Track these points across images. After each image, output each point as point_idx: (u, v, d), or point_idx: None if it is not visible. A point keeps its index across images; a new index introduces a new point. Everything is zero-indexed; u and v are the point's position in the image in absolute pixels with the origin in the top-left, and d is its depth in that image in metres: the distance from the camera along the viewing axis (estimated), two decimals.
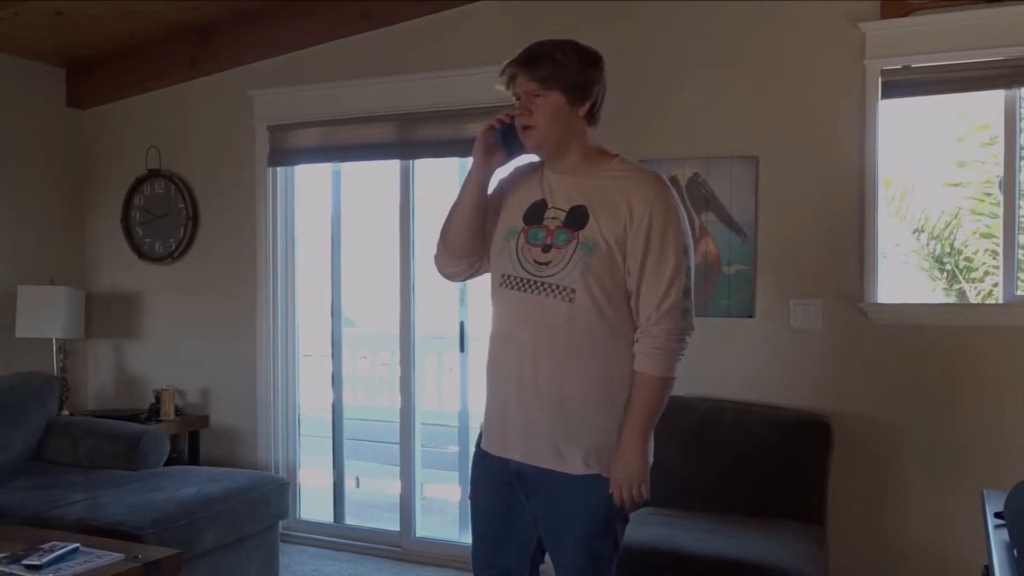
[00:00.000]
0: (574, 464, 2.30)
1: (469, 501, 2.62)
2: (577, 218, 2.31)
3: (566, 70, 2.31)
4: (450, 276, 2.60)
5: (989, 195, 4.02)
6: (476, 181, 2.40)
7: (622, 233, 2.27)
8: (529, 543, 2.48)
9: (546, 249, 2.31)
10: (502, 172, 2.50)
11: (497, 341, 2.44)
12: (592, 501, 2.33)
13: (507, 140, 2.36)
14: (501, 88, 2.38)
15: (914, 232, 4.02)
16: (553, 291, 2.28)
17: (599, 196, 2.31)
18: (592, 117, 2.38)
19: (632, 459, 2.28)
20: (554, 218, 2.34)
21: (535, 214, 2.37)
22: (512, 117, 2.35)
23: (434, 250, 2.57)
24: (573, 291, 2.27)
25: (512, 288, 2.35)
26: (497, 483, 2.46)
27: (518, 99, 2.34)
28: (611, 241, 2.27)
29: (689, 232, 2.35)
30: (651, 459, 2.38)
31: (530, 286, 2.32)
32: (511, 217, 2.41)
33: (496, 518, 2.50)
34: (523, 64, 2.31)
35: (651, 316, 2.27)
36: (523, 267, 2.33)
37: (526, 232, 2.36)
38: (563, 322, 2.28)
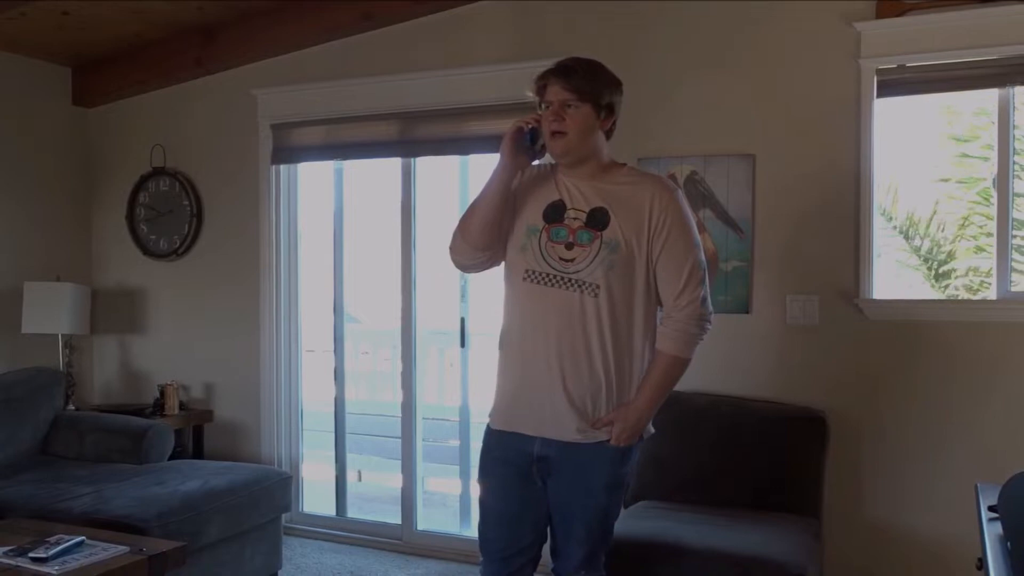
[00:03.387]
0: (598, 434, 2.54)
1: (479, 483, 2.76)
2: (598, 219, 2.51)
3: (600, 87, 2.53)
4: (466, 268, 2.74)
5: (979, 203, 4.04)
6: (502, 179, 2.55)
7: (642, 233, 2.50)
8: (540, 522, 2.66)
9: (569, 247, 2.51)
10: None
11: (521, 330, 2.59)
12: (615, 467, 2.59)
13: (533, 142, 2.53)
14: (530, 94, 2.56)
15: (899, 233, 4.04)
16: (579, 286, 2.49)
17: (617, 199, 2.52)
18: (610, 132, 2.58)
19: (637, 417, 2.53)
20: (575, 218, 2.53)
21: (555, 213, 2.55)
22: (538, 120, 2.51)
23: (451, 241, 2.69)
24: (598, 287, 2.48)
25: (537, 283, 2.53)
26: (514, 467, 2.63)
27: (547, 106, 2.50)
28: (631, 240, 2.49)
29: (696, 228, 2.59)
30: (652, 429, 2.64)
31: (556, 281, 2.51)
32: (530, 216, 2.58)
33: (512, 501, 2.67)
34: (562, 74, 2.50)
35: (674, 304, 2.53)
36: (548, 263, 2.51)
37: (548, 230, 2.54)
38: (589, 315, 2.48)
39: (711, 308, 2.57)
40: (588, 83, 2.50)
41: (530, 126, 2.53)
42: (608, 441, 2.54)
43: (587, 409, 2.52)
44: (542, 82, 2.54)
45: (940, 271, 4.24)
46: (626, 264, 2.49)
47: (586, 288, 2.48)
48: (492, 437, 2.70)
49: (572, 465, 2.56)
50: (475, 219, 2.60)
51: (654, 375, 2.54)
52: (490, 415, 2.71)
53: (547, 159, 2.64)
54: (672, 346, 2.53)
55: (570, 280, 2.49)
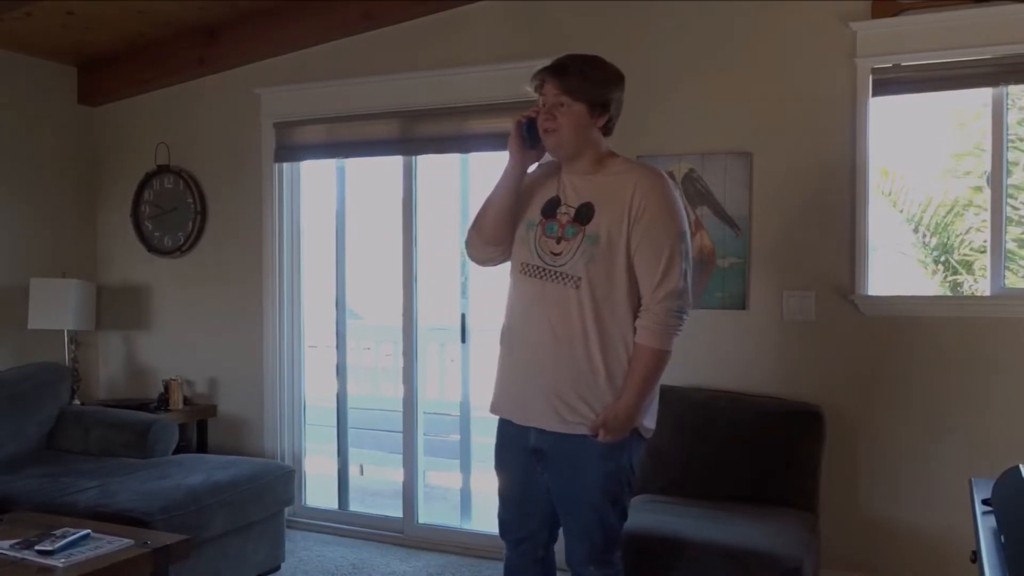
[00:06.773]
0: (580, 427, 2.56)
1: (495, 470, 2.83)
2: (584, 214, 2.57)
3: (592, 86, 2.57)
4: (483, 262, 2.83)
5: (979, 190, 4.08)
6: (512, 176, 2.64)
7: (623, 221, 2.53)
8: (548, 509, 2.72)
9: (559, 241, 2.59)
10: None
11: (515, 321, 2.67)
12: (608, 464, 2.58)
13: (531, 134, 2.58)
14: (530, 90, 2.60)
15: (909, 223, 4.08)
16: (563, 279, 2.56)
17: (603, 192, 2.57)
18: (607, 128, 2.61)
19: (622, 412, 2.53)
20: (565, 214, 2.61)
21: (551, 209, 2.64)
22: (537, 113, 2.57)
23: (467, 237, 2.79)
24: (579, 279, 2.54)
25: (530, 276, 2.61)
26: (519, 453, 2.70)
27: (544, 103, 2.56)
28: (612, 232, 2.53)
29: (686, 219, 2.56)
30: (652, 427, 2.64)
31: (545, 274, 2.59)
32: (531, 210, 2.66)
33: (518, 486, 2.76)
34: (554, 73, 2.55)
35: (652, 296, 2.53)
36: (540, 257, 2.59)
37: (543, 225, 2.62)
38: (572, 306, 2.54)
39: (690, 300, 2.58)
40: (581, 83, 2.54)
41: (527, 119, 2.60)
42: (596, 437, 2.54)
43: (571, 399, 2.55)
44: (538, 79, 2.59)
45: (944, 261, 4.28)
46: (606, 257, 2.53)
47: (568, 280, 2.54)
48: (499, 425, 2.80)
49: (564, 459, 2.61)
50: (487, 216, 2.70)
51: (636, 370, 2.54)
52: (492, 403, 2.81)
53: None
54: (651, 339, 2.52)
55: (556, 273, 2.56)
